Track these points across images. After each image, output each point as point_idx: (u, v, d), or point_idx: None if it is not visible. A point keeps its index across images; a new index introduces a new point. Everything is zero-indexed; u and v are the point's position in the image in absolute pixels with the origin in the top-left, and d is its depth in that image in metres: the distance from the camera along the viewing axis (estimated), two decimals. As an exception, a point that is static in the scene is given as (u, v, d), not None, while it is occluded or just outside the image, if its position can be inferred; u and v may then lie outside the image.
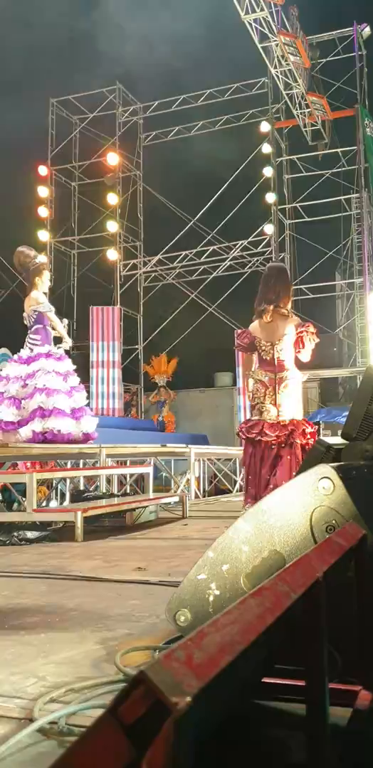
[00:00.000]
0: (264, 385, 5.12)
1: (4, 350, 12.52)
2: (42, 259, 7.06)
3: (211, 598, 1.56)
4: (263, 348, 5.17)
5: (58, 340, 6.88)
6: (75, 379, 6.65)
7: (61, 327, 6.83)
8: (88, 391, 14.20)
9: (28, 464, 6.95)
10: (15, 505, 6.61)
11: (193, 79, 16.84)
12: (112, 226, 16.73)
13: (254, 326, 5.26)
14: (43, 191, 17.21)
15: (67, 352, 6.93)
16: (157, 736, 0.41)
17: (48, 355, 6.50)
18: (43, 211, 17.23)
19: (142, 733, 0.41)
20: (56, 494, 8.25)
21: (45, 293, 6.86)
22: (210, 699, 0.48)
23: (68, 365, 6.63)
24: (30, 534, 4.80)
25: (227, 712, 0.66)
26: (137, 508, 5.79)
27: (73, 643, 1.98)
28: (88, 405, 6.85)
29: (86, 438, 6.40)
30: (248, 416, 5.58)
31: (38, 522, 5.01)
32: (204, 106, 17.08)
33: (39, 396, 6.14)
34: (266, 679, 1.03)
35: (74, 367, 6.74)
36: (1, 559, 3.93)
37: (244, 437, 5.13)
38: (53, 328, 6.80)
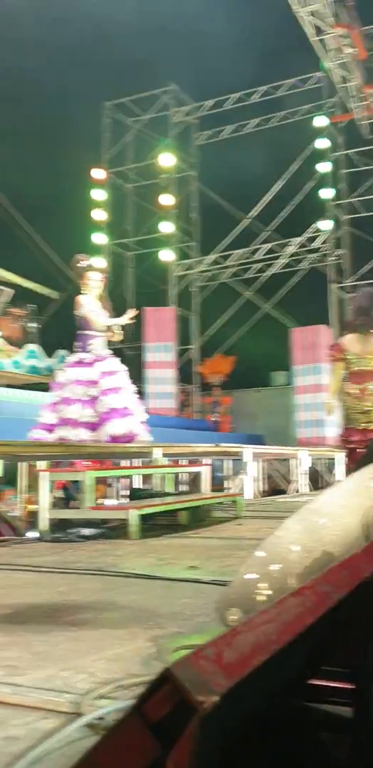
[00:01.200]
0: (354, 395, 5.63)
1: (63, 353, 12.77)
2: (87, 263, 7.09)
3: (260, 598, 1.54)
4: (353, 361, 5.67)
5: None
6: (113, 381, 6.64)
7: (108, 321, 6.85)
8: (142, 392, 14.34)
9: (86, 462, 7.06)
10: (73, 502, 6.73)
11: (246, 76, 16.76)
12: (167, 227, 16.82)
13: (348, 339, 5.84)
14: (98, 194, 17.44)
15: (117, 352, 7.00)
16: (182, 735, 0.40)
17: (77, 363, 6.63)
18: (99, 214, 17.45)
19: (167, 731, 0.41)
20: (114, 492, 8.36)
21: (99, 296, 6.92)
22: (241, 699, 0.47)
23: (98, 370, 6.61)
24: (86, 531, 4.87)
25: (263, 713, 0.64)
26: (192, 507, 5.80)
27: (123, 640, 1.99)
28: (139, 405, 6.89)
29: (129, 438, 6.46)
30: (305, 417, 5.90)
31: (95, 519, 5.07)
32: (258, 103, 16.98)
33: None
34: (312, 681, 1.01)
35: (113, 369, 6.72)
36: (58, 556, 3.99)
37: (345, 447, 5.59)
38: (104, 329, 6.86)
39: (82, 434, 6.30)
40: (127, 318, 7.02)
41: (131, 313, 7.04)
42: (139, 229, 18.05)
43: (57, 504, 7.59)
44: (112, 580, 3.09)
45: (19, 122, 17.30)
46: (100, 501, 8.63)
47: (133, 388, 6.85)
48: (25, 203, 16.56)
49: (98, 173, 17.42)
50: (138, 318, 16.52)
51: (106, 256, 17.31)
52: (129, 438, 6.30)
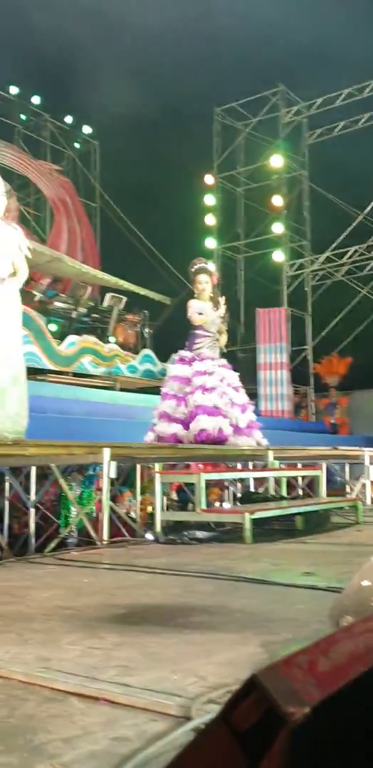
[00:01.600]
0: None
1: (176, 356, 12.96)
2: (199, 266, 7.12)
3: (375, 605, 1.47)
4: None
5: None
6: (205, 380, 6.59)
7: (198, 319, 6.89)
8: (256, 394, 14.23)
9: (201, 465, 7.09)
10: (190, 506, 6.78)
11: (357, 70, 16.29)
12: (278, 228, 16.67)
13: None
14: (209, 199, 17.58)
15: (225, 354, 6.99)
16: (271, 748, 0.37)
17: (179, 360, 6.72)
18: (210, 219, 17.59)
19: (255, 742, 0.38)
20: (229, 496, 8.33)
21: (210, 299, 6.94)
22: (336, 712, 0.43)
23: (194, 368, 6.61)
24: (199, 534, 4.89)
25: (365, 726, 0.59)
26: (308, 511, 5.68)
27: (235, 644, 1.97)
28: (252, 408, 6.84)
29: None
30: None
31: (209, 522, 5.09)
32: (370, 98, 16.46)
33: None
34: None
35: (208, 368, 6.68)
36: (172, 558, 4.03)
37: None
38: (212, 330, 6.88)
39: (175, 429, 6.36)
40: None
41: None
42: (249, 231, 18.01)
43: (172, 506, 7.69)
44: (225, 584, 3.07)
45: (131, 132, 17.78)
46: (217, 504, 8.63)
47: (232, 393, 6.75)
48: (137, 211, 16.98)
49: (209, 179, 17.56)
50: (251, 319, 16.52)
51: (216, 260, 17.40)
52: (216, 439, 6.26)
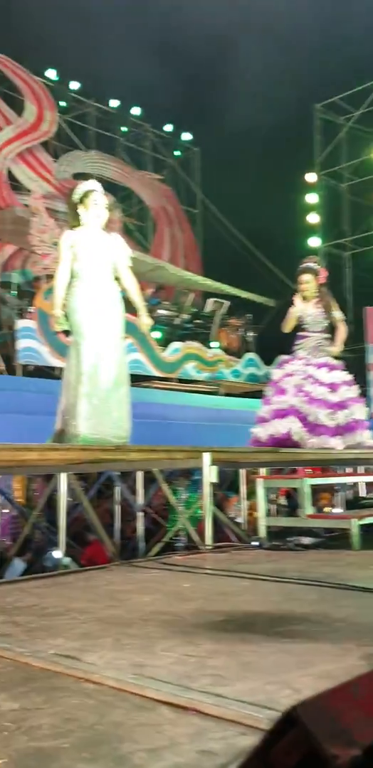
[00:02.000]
0: None
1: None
2: (304, 266, 6.98)
3: None
4: None
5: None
6: (289, 381, 6.47)
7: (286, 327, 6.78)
8: (366, 395, 13.75)
9: (308, 470, 6.93)
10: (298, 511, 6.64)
11: None
12: (386, 222, 16.12)
13: None
14: (312, 198, 17.27)
15: (337, 357, 6.80)
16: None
17: (279, 364, 6.65)
18: (313, 218, 17.27)
19: (297, 786, 0.32)
20: (342, 501, 8.11)
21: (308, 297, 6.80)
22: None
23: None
24: (305, 540, 4.77)
25: None
26: None
27: (334, 656, 1.87)
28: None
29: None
30: None
31: (316, 528, 4.95)
32: None
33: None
34: None
35: (296, 370, 6.52)
36: (275, 564, 3.94)
37: None
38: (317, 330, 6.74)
39: (290, 424, 6.23)
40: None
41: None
42: (355, 227, 17.52)
43: (280, 511, 7.56)
44: (329, 592, 2.96)
45: (230, 136, 17.78)
46: (326, 509, 8.43)
47: (321, 390, 6.53)
48: (241, 215, 16.93)
49: (311, 176, 17.26)
50: (359, 319, 16.02)
51: (321, 258, 17.03)
52: (286, 442, 6.08)
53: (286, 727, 0.34)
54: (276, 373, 6.73)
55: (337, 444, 6.30)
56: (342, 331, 6.90)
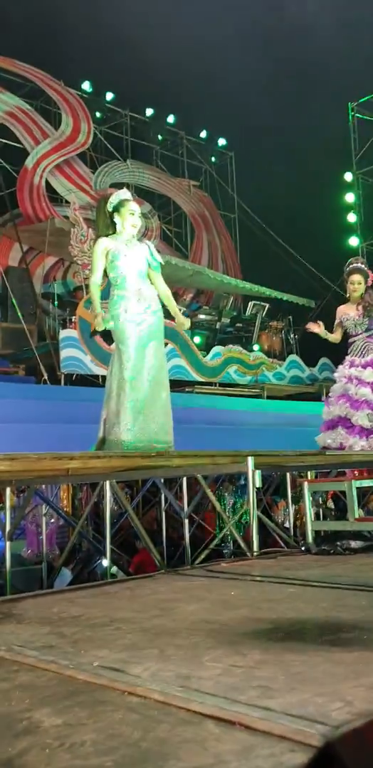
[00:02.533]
0: None
1: (325, 360, 12.64)
2: (351, 266, 6.81)
3: None
4: None
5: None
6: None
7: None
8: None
9: (356, 472, 6.81)
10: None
11: None
12: None
13: None
14: (350, 197, 17.06)
15: None
16: None
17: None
18: (352, 217, 17.05)
19: None
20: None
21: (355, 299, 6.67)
22: None
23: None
24: (354, 544, 4.65)
25: None
26: None
27: (388, 665, 1.80)
28: None
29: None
30: None
31: (365, 532, 4.83)
32: None
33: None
34: None
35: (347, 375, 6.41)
36: (324, 569, 3.86)
37: None
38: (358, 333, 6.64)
39: (335, 436, 6.15)
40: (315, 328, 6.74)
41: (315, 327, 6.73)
42: (395, 225, 17.24)
43: (328, 515, 7.43)
44: (380, 597, 2.87)
45: (265, 138, 17.68)
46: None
47: (367, 392, 6.41)
48: (278, 217, 16.81)
49: (348, 176, 17.06)
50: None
51: (361, 258, 16.80)
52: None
53: (323, 765, 0.30)
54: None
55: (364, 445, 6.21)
56: None
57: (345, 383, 6.35)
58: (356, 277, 6.64)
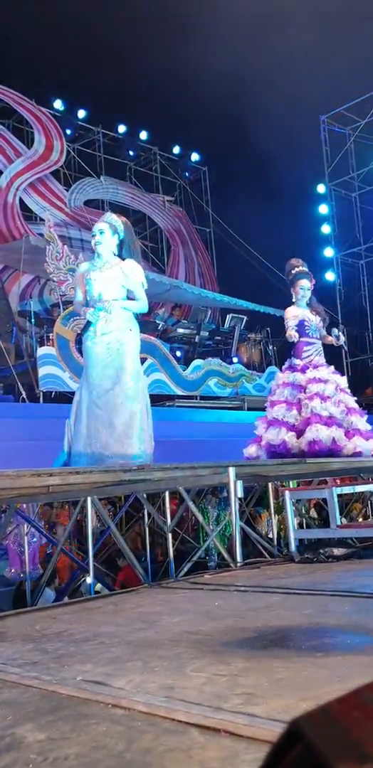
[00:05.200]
0: None
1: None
2: (299, 271, 6.75)
3: None
4: None
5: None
6: (320, 387, 6.25)
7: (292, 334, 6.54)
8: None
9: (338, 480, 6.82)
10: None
11: None
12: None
13: None
14: (323, 208, 17.26)
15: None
16: None
17: (288, 368, 6.51)
18: (326, 228, 17.24)
19: None
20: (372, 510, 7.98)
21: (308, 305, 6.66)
22: None
23: (308, 376, 6.31)
24: (336, 551, 4.67)
25: None
26: None
27: (372, 667, 1.81)
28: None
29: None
30: None
31: (348, 539, 4.85)
32: None
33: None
34: None
35: (323, 377, 6.35)
36: (307, 577, 3.87)
37: None
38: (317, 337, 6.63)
39: (285, 435, 6.06)
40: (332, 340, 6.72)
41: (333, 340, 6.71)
42: (369, 236, 17.42)
43: (311, 524, 7.44)
44: (364, 602, 2.88)
45: (238, 152, 17.80)
46: (360, 520, 8.30)
47: (348, 398, 6.42)
48: (253, 230, 16.92)
49: (321, 188, 17.28)
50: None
51: (336, 268, 17.00)
52: (330, 450, 5.91)
53: (289, 743, 0.30)
54: (294, 376, 6.38)
55: None
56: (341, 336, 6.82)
57: (335, 387, 6.28)
58: (305, 282, 6.61)
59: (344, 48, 16.09)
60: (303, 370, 6.34)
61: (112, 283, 4.99)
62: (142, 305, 5.12)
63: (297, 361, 6.45)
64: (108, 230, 5.09)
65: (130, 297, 5.12)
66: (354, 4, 15.96)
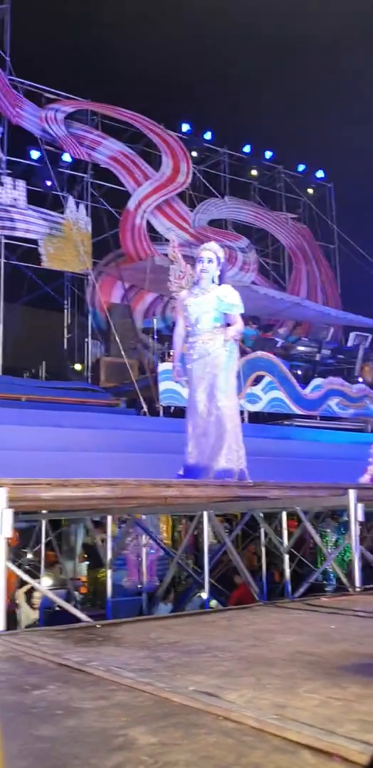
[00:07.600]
0: None
1: None
2: None
3: None
4: None
5: None
6: None
7: None
8: None
9: None
10: None
11: None
12: None
13: None
14: None
15: None
16: None
17: None
18: None
19: None
20: None
21: None
22: None
23: None
24: None
25: None
26: None
27: None
28: None
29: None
30: None
31: None
32: None
33: None
34: None
35: None
36: None
37: None
38: None
39: None
40: None
41: None
42: None
43: None
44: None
45: (364, 167, 17.41)
46: None
47: None
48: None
49: None
50: None
51: None
52: None
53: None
54: None
55: None
56: None
57: None
58: None
59: None
60: None
61: (208, 308, 5.08)
62: (237, 329, 5.17)
63: None
64: (215, 260, 5.20)
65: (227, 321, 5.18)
66: None
